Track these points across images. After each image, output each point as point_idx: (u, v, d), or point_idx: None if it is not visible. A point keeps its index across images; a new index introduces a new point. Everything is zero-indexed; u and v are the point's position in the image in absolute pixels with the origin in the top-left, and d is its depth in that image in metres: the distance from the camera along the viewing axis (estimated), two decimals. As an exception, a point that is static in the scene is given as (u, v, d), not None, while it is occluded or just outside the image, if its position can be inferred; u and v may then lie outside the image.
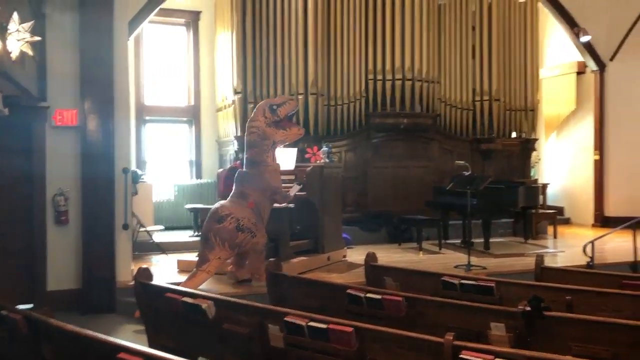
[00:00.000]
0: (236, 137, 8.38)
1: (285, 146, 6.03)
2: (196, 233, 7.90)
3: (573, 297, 3.58)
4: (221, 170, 7.17)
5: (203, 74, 9.98)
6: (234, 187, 5.55)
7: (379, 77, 8.79)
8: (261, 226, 5.46)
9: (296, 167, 6.56)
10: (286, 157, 6.57)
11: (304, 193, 6.29)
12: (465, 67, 9.49)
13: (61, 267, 5.56)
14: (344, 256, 6.96)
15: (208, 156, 9.95)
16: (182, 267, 6.23)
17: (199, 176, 9.89)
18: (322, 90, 8.57)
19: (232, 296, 4.01)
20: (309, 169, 6.40)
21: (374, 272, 4.51)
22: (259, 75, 8.51)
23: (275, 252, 5.93)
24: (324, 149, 7.07)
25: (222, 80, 9.22)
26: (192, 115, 10.03)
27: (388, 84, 8.76)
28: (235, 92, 8.48)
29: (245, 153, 5.61)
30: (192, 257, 5.98)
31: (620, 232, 7.22)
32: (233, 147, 8.62)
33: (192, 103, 10.05)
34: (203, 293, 3.59)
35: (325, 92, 8.65)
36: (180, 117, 10.03)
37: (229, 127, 8.91)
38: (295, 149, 6.79)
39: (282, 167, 6.24)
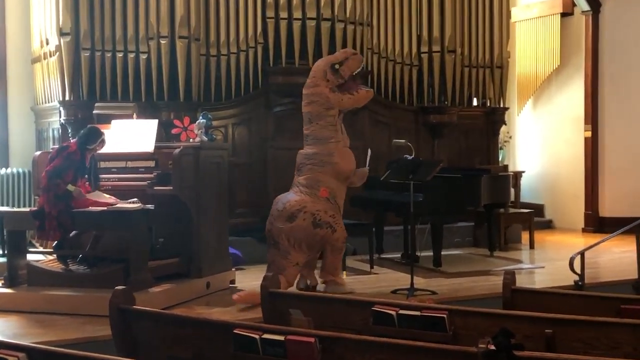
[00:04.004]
0: (63, 103, 8.15)
1: (139, 116, 6.20)
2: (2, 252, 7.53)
3: (555, 330, 3.69)
4: (40, 153, 6.91)
5: (9, 5, 9.53)
6: (295, 174, 6.54)
7: (283, 15, 8.76)
8: (340, 218, 6.41)
9: (157, 148, 6.48)
10: (139, 133, 6.50)
11: (170, 188, 6.23)
12: (406, 4, 9.66)
13: None
14: (232, 281, 6.96)
15: (18, 133, 9.53)
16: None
17: (4, 163, 9.47)
18: (196, 33, 8.45)
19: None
20: (176, 151, 6.32)
21: (275, 302, 4.53)
22: (99, 8, 8.26)
23: (125, 278, 5.86)
24: (201, 120, 6.95)
25: (39, 16, 8.86)
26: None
27: (296, 26, 8.75)
28: (62, 34, 8.18)
29: (304, 129, 6.55)
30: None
31: (620, 238, 7.63)
32: (59, 117, 8.32)
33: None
34: (12, 342, 3.44)
35: (201, 35, 8.54)
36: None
37: (51, 87, 8.59)
38: (155, 121, 6.69)
39: (134, 149, 6.29)
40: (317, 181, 6.43)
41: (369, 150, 6.80)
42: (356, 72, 6.57)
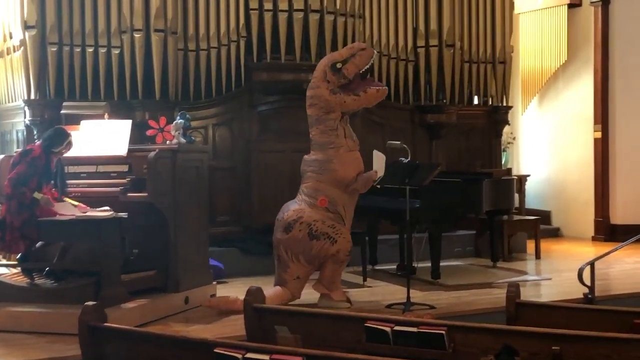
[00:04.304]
0: (28, 102, 8.13)
1: (111, 116, 6.23)
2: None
3: (563, 347, 3.70)
4: (2, 157, 6.87)
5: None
6: (302, 180, 6.66)
7: (268, 6, 8.76)
8: (343, 228, 6.51)
9: (130, 151, 6.47)
10: (111, 135, 6.49)
11: (145, 194, 6.22)
12: (402, -6, 9.69)
13: None
14: (212, 296, 6.93)
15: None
16: None
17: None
18: (173, 26, 8.44)
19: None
20: (152, 154, 6.30)
21: (260, 319, 4.53)
22: (67, 0, 8.23)
23: (96, 293, 5.84)
24: (178, 121, 6.94)
25: (1, 7, 8.84)
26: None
27: (282, 18, 8.75)
28: (27, 27, 8.16)
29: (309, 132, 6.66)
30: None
31: (633, 247, 7.65)
32: (24, 117, 8.30)
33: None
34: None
35: (178, 28, 8.53)
36: None
37: (15, 85, 8.58)
38: (129, 122, 6.67)
39: (106, 152, 6.32)
40: (317, 190, 6.54)
41: (375, 153, 6.74)
42: (364, 70, 6.55)
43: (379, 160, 6.62)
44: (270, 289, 6.40)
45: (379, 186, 6.72)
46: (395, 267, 8.38)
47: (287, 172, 8.87)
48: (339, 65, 6.49)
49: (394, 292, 7.10)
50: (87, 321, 3.99)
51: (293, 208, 6.58)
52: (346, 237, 6.53)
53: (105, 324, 4.05)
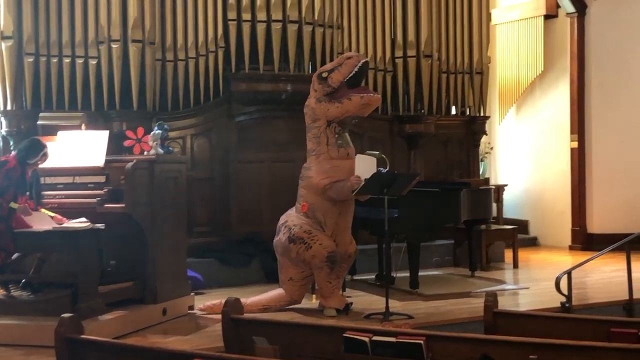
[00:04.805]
0: (4, 112, 8.10)
1: (88, 127, 6.23)
2: None
3: (540, 356, 3.71)
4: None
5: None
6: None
7: (246, 16, 8.75)
8: (320, 235, 6.58)
9: (107, 162, 6.43)
10: (88, 146, 6.47)
11: (122, 205, 6.19)
12: (379, 6, 9.71)
13: None
14: (191, 307, 6.94)
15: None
16: None
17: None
18: (151, 36, 8.42)
19: None
20: (129, 165, 6.27)
21: (238, 330, 4.53)
22: (44, 9, 8.22)
23: (73, 304, 5.80)
24: (156, 131, 6.92)
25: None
26: None
27: (260, 29, 8.74)
28: (3, 37, 8.14)
29: None
30: None
31: (610, 256, 7.68)
32: (0, 128, 8.26)
33: None
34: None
35: (156, 38, 8.51)
36: None
37: (-8, 96, 8.51)
38: (106, 133, 6.64)
39: (83, 163, 6.31)
40: (300, 195, 6.80)
41: (358, 157, 6.74)
42: (349, 77, 6.60)
43: (363, 164, 6.63)
44: (272, 291, 6.94)
45: (357, 196, 6.69)
46: (374, 277, 8.37)
47: (266, 182, 8.88)
48: (324, 75, 6.66)
49: (372, 302, 7.09)
50: (64, 333, 3.97)
51: (287, 212, 6.90)
52: (323, 244, 6.56)
53: (82, 336, 4.02)
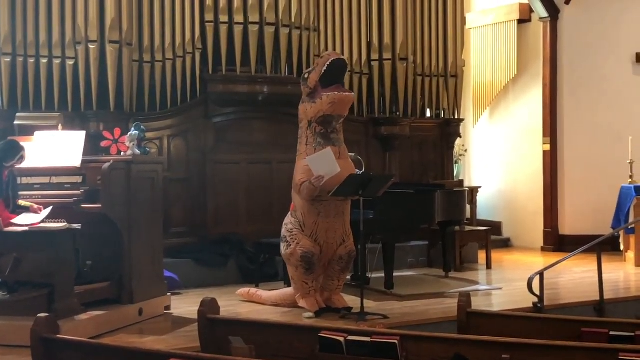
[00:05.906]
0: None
1: (65, 128, 6.21)
2: None
3: (513, 355, 3.75)
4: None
5: None
6: None
7: (223, 18, 8.75)
8: (299, 234, 6.65)
9: (84, 162, 6.40)
10: (65, 146, 6.43)
11: (99, 206, 6.16)
12: (355, 9, 9.73)
13: None
14: (167, 307, 6.93)
15: None
16: None
17: None
18: (128, 37, 8.38)
19: None
20: (106, 166, 6.25)
21: (214, 330, 4.53)
22: (21, 9, 8.16)
23: (49, 304, 5.76)
24: (133, 132, 6.89)
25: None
26: None
27: (237, 31, 8.74)
28: (-23, 39, 8.06)
29: None
30: None
31: (581, 257, 7.76)
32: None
33: None
34: None
35: (134, 39, 8.48)
36: None
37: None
38: (83, 133, 6.61)
39: (59, 163, 6.27)
40: (292, 196, 6.88)
41: (312, 156, 6.60)
42: (321, 76, 6.62)
43: (319, 162, 6.48)
44: (284, 289, 7.16)
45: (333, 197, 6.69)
46: (349, 277, 8.37)
47: (243, 183, 8.88)
48: (306, 76, 6.80)
49: (348, 302, 7.09)
50: (40, 333, 3.95)
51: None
52: (300, 244, 6.62)
53: (58, 335, 4.01)
